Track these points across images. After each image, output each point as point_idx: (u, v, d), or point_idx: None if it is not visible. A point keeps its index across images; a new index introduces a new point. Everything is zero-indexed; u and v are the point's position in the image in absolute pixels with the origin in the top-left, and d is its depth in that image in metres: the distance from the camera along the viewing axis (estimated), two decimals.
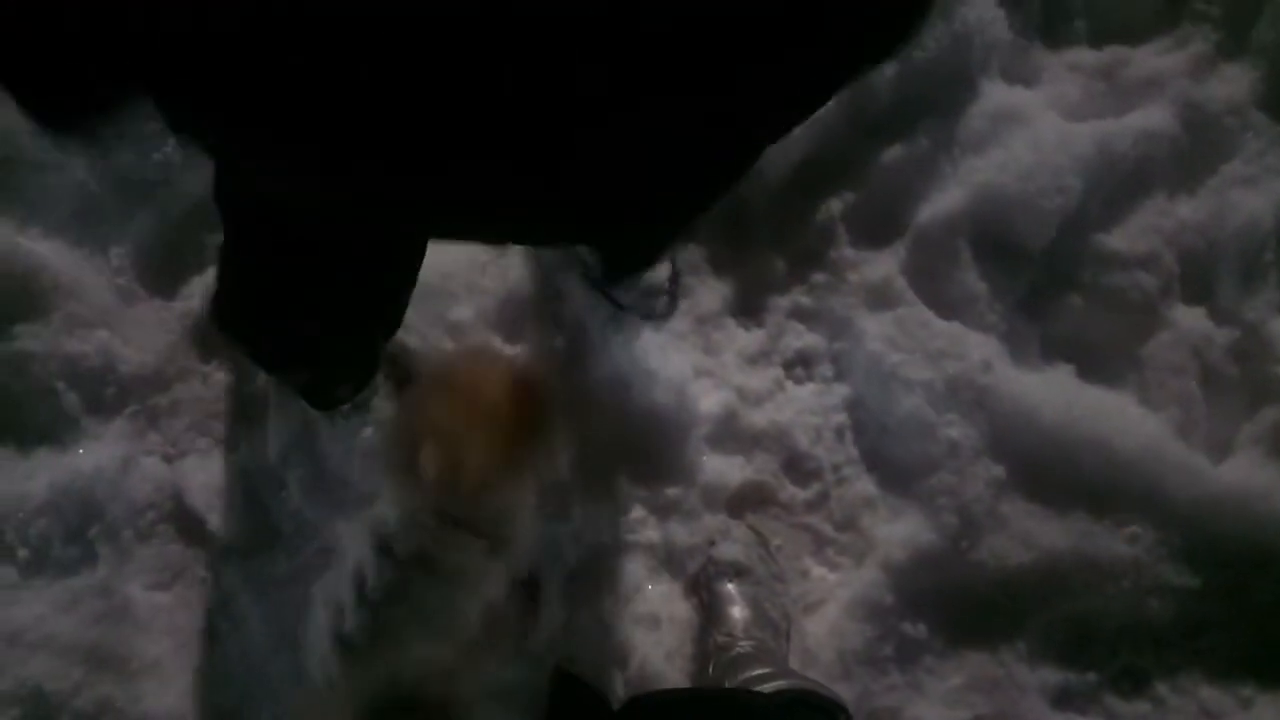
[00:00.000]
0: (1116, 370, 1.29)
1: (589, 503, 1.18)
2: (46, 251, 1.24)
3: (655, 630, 1.13)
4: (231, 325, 0.93)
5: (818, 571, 1.21)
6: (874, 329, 1.23)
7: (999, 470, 1.19)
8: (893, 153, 1.32)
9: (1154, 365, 1.29)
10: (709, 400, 1.21)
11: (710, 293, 1.29)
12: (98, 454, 1.15)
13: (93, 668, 1.08)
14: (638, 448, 1.21)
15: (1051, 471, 1.21)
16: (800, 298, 1.30)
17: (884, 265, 1.28)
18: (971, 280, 1.26)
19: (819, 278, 1.30)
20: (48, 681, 1.07)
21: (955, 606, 1.18)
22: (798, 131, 1.30)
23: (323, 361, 0.99)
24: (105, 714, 1.07)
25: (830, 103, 1.33)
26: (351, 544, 0.81)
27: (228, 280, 0.88)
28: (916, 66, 1.31)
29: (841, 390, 1.26)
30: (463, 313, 1.21)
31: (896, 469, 1.23)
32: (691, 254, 1.29)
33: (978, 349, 1.22)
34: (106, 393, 1.19)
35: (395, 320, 0.94)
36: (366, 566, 0.79)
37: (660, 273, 1.23)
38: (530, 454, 0.78)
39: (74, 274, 1.23)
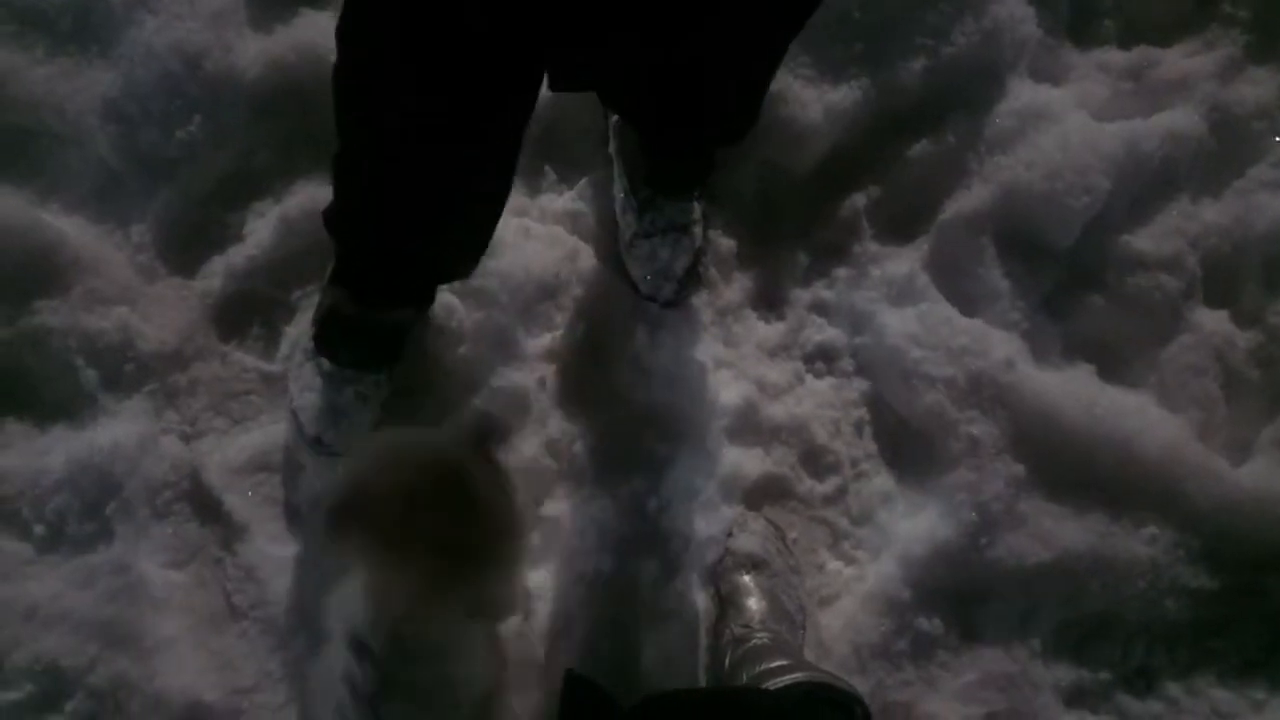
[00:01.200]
0: (1138, 371, 1.29)
1: (606, 494, 1.18)
2: (67, 227, 1.23)
3: (672, 621, 1.13)
4: (344, 218, 1.02)
5: (834, 565, 1.21)
6: (896, 324, 1.23)
7: (1019, 468, 1.19)
8: (919, 148, 1.31)
9: (1175, 367, 1.29)
10: (729, 392, 1.21)
11: (732, 285, 1.28)
12: (115, 431, 1.14)
13: (107, 645, 1.07)
14: (657, 438, 1.21)
15: (1071, 471, 1.20)
16: (822, 291, 1.29)
17: (907, 261, 1.28)
18: (995, 278, 1.26)
19: (841, 272, 1.29)
20: (63, 657, 1.06)
21: (971, 603, 1.18)
22: (825, 126, 1.31)
23: (403, 277, 1.07)
24: (120, 691, 1.06)
25: (858, 96, 1.34)
26: (335, 644, 0.78)
27: (350, 179, 0.98)
28: (945, 62, 1.31)
29: (861, 385, 1.25)
30: (487, 297, 1.21)
31: (916, 465, 1.23)
32: (715, 245, 1.28)
33: (1000, 347, 1.21)
34: (125, 370, 1.18)
35: (476, 251, 1.07)
36: (353, 670, 0.75)
37: (681, 260, 1.22)
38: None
39: (94, 250, 1.23)
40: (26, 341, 1.19)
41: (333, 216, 1.04)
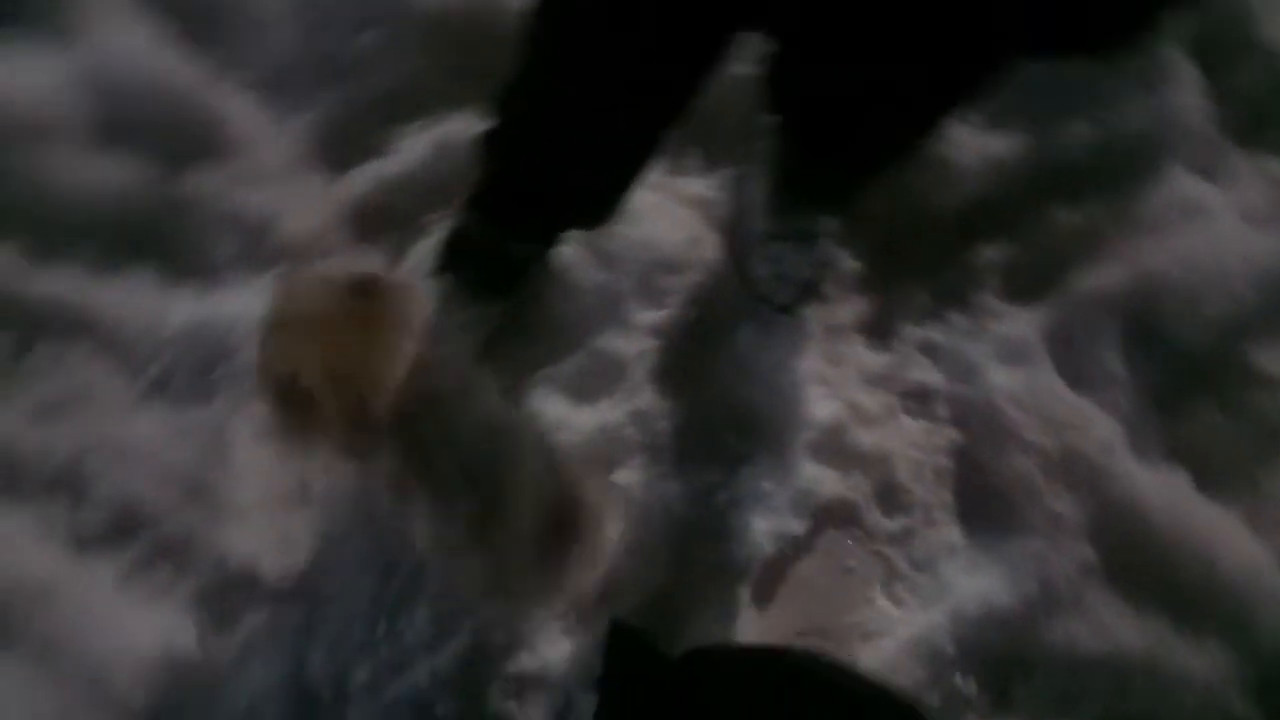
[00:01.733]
0: (1234, 488, 1.25)
1: (680, 477, 1.19)
2: (233, 106, 1.29)
3: (716, 616, 1.13)
4: (499, 140, 1.03)
5: (883, 603, 1.20)
6: (1002, 383, 1.22)
7: (1093, 555, 1.17)
8: (1064, 214, 1.30)
9: (1273, 493, 1.25)
10: (820, 408, 1.21)
11: (846, 305, 1.28)
12: (238, 303, 1.18)
13: (185, 499, 1.11)
14: (740, 435, 1.22)
15: (1144, 570, 1.18)
16: (934, 334, 1.29)
17: (1027, 323, 1.26)
18: (1112, 361, 1.24)
19: (957, 319, 1.29)
20: (142, 500, 1.10)
21: (1012, 674, 1.16)
22: (975, 170, 1.30)
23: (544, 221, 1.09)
24: (185, 543, 1.10)
25: (1015, 148, 1.32)
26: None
27: (515, 106, 0.99)
28: (1109, 133, 1.30)
29: (953, 434, 1.24)
30: (609, 260, 1.23)
31: (990, 525, 1.21)
32: (839, 263, 1.29)
33: (1102, 430, 1.20)
34: (258, 250, 1.23)
35: (611, 205, 1.07)
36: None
37: (804, 269, 1.23)
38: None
39: (254, 133, 1.28)
40: (171, 205, 1.24)
41: (488, 138, 1.06)
